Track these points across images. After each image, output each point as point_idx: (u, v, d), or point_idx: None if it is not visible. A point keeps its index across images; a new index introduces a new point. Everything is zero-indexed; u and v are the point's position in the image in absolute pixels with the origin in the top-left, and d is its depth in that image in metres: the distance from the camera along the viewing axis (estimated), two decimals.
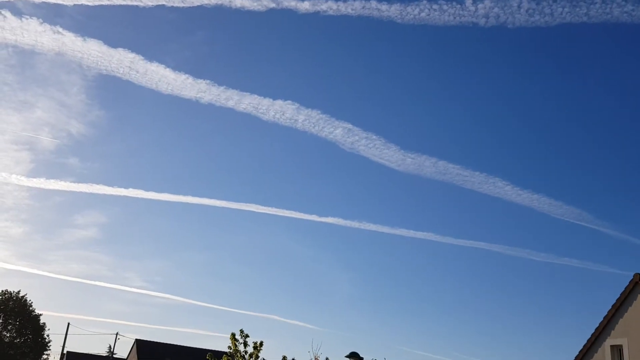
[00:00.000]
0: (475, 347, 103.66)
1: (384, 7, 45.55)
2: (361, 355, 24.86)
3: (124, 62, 50.81)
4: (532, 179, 72.72)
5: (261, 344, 27.85)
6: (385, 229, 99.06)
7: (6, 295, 43.60)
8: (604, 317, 15.14)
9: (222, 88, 54.72)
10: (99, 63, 51.32)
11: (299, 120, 56.47)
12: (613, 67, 63.03)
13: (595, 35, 59.80)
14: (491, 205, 74.04)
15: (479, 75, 70.19)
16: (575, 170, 71.37)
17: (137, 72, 51.64)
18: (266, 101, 55.85)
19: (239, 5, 47.00)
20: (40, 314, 44.48)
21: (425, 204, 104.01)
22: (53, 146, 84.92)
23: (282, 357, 31.43)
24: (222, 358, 27.62)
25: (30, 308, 43.94)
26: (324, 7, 46.48)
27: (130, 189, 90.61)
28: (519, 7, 42.64)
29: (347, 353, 24.72)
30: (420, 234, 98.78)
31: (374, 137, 60.80)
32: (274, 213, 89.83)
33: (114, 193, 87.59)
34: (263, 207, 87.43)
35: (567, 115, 68.87)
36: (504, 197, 58.50)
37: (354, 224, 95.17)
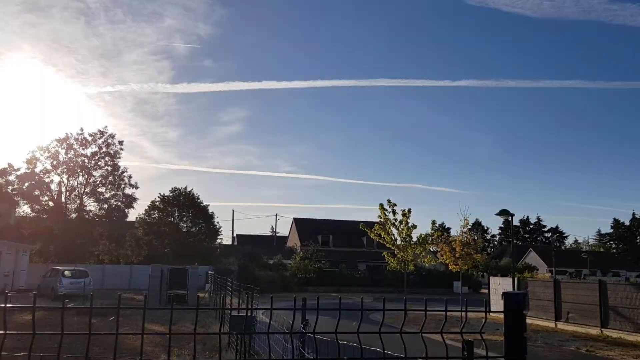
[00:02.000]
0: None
1: None
2: (511, 212, 24.71)
3: None
4: None
5: (409, 211, 28.68)
6: (526, 83, 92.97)
7: (176, 192, 48.79)
8: None
9: None
10: None
11: None
12: None
13: None
14: None
15: None
16: None
17: None
18: None
19: None
20: (208, 205, 49.48)
21: (569, 49, 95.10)
22: (187, 51, 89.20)
23: (431, 222, 31.98)
24: (373, 227, 29.09)
25: (198, 200, 48.91)
26: None
27: (264, 82, 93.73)
28: None
29: (497, 212, 24.74)
30: (567, 83, 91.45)
31: None
32: (404, 85, 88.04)
33: (249, 88, 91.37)
34: (392, 80, 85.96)
35: None
36: None
37: (491, 83, 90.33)
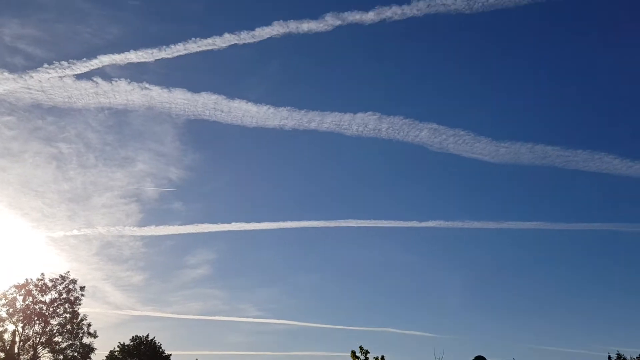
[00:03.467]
0: (614, 334, 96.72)
1: (449, 1, 44.78)
2: (487, 358, 24.06)
3: (208, 105, 53.48)
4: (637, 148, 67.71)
5: (382, 358, 27.72)
6: (491, 225, 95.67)
7: (137, 340, 46.46)
8: None
9: (303, 112, 56.06)
10: (186, 109, 54.35)
11: (383, 129, 56.49)
12: None
13: None
14: (600, 183, 69.65)
15: (560, 47, 66.85)
16: None
17: (222, 111, 54.14)
18: (347, 116, 56.46)
19: (306, 29, 48.08)
20: (170, 354, 46.96)
21: (528, 192, 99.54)
22: (157, 194, 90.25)
23: None
24: None
25: (160, 349, 46.48)
26: (388, 13, 46.48)
27: (233, 223, 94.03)
28: None
29: (472, 358, 24.05)
30: (529, 225, 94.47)
31: (462, 132, 59.54)
32: (373, 225, 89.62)
33: (218, 230, 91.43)
34: (361, 221, 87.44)
35: None
36: (613, 172, 55.03)
37: (457, 224, 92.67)
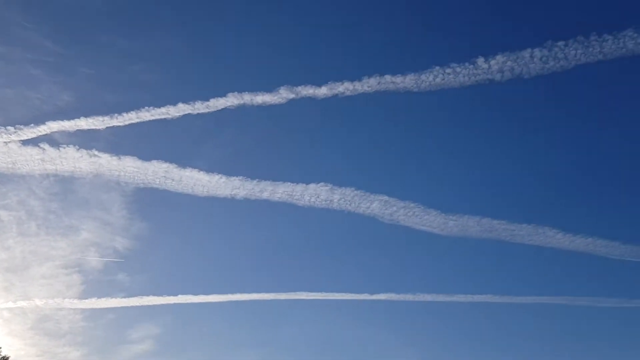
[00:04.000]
0: None
1: (398, 79, 46.63)
2: None
3: (159, 173, 52.71)
4: (582, 222, 70.37)
5: None
6: (441, 297, 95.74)
7: None
8: None
9: (255, 181, 55.80)
10: (136, 177, 53.32)
11: (335, 200, 56.66)
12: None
13: (614, 72, 59.54)
14: (545, 256, 71.47)
15: (505, 125, 70.09)
16: (625, 207, 68.96)
17: (172, 180, 53.40)
18: (299, 187, 56.45)
19: (260, 101, 48.86)
20: None
21: (476, 265, 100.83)
22: (101, 265, 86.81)
23: None
24: None
25: None
26: (340, 89, 47.86)
27: (180, 296, 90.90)
28: (531, 56, 42.98)
29: None
30: (478, 297, 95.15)
31: (412, 204, 60.34)
32: (324, 298, 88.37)
33: (164, 302, 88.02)
34: (312, 294, 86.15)
35: (610, 153, 67.44)
36: (556, 246, 56.52)
37: (408, 297, 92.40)
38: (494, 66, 43.79)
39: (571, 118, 67.22)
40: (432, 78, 44.98)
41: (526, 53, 43.14)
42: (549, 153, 69.57)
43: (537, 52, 42.83)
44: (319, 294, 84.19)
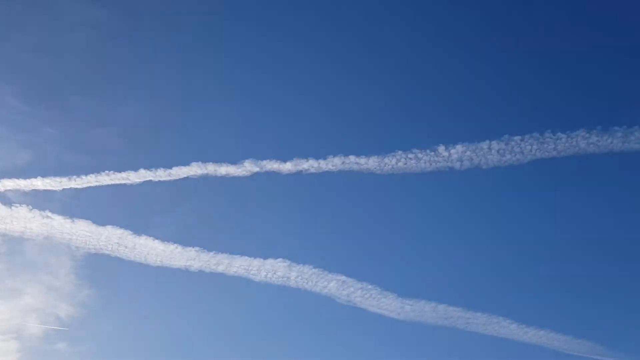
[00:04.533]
0: None
1: (362, 160, 47.42)
2: None
3: (112, 239, 51.27)
4: (536, 314, 70.59)
5: None
6: None
7: None
8: None
9: (211, 254, 54.58)
10: (88, 242, 51.66)
11: (292, 278, 55.68)
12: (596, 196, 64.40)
13: (566, 168, 62.10)
14: (499, 347, 70.94)
15: (461, 212, 71.46)
16: (580, 301, 69.84)
17: (126, 247, 51.93)
18: (257, 262, 55.37)
19: (224, 172, 48.78)
20: None
21: (431, 352, 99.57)
22: (41, 332, 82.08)
23: None
24: None
25: None
26: (305, 166, 48.27)
27: None
28: (489, 148, 44.61)
29: None
30: None
31: (370, 286, 59.65)
32: None
33: None
34: None
35: (565, 246, 69.01)
36: (509, 337, 56.15)
37: None
38: (454, 155, 45.16)
39: (526, 209, 69.10)
40: (394, 161, 46.07)
41: (484, 145, 44.76)
42: (506, 243, 70.77)
43: (494, 145, 44.50)
44: None
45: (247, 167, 47.81)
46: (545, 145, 43.42)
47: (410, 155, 45.59)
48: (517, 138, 44.07)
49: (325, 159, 47.85)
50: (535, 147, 43.67)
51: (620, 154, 44.54)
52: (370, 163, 46.63)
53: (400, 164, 45.83)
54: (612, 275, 66.25)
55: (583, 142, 42.67)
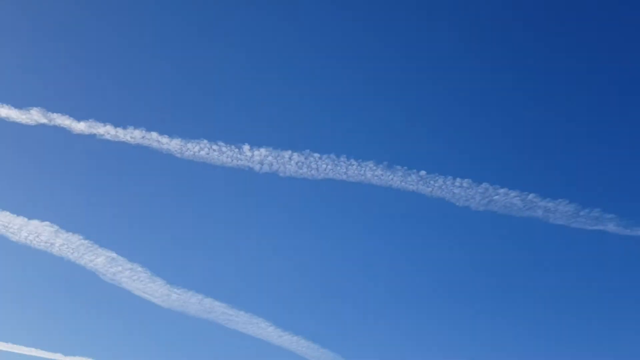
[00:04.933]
0: None
1: (164, 139, 45.84)
2: None
3: None
4: (294, 320, 74.56)
5: None
6: None
7: None
8: None
9: None
10: None
11: (56, 245, 51.25)
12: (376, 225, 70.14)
13: (353, 193, 67.19)
14: (256, 347, 73.33)
15: (250, 214, 72.92)
16: (334, 312, 75.36)
17: None
18: (19, 219, 50.11)
19: (4, 115, 43.50)
20: None
21: (191, 344, 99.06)
22: None
23: None
24: None
25: None
26: (101, 130, 45.12)
27: None
28: (290, 158, 46.47)
29: None
30: None
31: (140, 268, 57.32)
32: (8, 350, 77.09)
33: None
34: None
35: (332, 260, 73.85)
36: (266, 339, 58.39)
37: None
38: (257, 156, 46.13)
39: (305, 224, 73.20)
40: (198, 149, 45.65)
41: (286, 154, 46.55)
42: (280, 251, 73.89)
43: (295, 156, 46.45)
44: (7, 344, 73.60)
45: (35, 117, 43.17)
46: (338, 168, 46.69)
47: (214, 147, 45.43)
48: (316, 155, 46.72)
49: (125, 128, 45.34)
50: (329, 167, 46.68)
51: (398, 190, 50.12)
52: (172, 144, 45.38)
53: (202, 152, 45.40)
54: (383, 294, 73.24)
55: (370, 172, 46.77)
